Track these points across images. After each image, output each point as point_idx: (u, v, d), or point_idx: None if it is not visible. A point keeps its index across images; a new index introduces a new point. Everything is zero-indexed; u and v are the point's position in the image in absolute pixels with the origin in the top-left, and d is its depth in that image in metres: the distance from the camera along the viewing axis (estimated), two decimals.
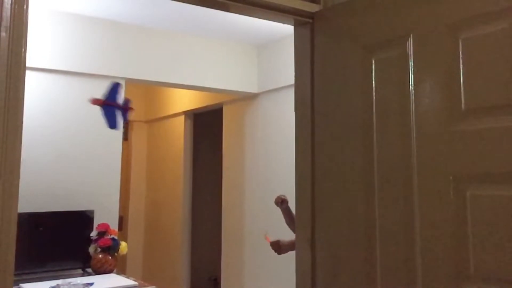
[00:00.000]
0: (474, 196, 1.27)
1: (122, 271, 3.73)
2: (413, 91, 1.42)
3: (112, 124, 2.98)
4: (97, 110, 2.95)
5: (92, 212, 3.32)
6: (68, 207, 3.28)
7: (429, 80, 1.39)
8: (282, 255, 2.66)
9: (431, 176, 1.36)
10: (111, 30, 3.56)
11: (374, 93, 1.54)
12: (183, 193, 4.97)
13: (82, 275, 3.13)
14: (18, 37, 1.25)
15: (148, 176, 5.63)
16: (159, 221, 5.32)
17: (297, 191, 1.83)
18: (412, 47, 1.43)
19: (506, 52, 1.23)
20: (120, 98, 3.04)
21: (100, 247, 3.19)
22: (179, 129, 5.11)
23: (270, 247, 2.66)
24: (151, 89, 5.52)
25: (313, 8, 1.79)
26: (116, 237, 3.28)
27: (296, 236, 1.86)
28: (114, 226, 3.39)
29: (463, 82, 1.30)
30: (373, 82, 1.54)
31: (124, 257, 4.41)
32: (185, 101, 5.00)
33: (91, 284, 2.82)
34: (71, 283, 2.76)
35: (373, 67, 1.55)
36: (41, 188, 3.20)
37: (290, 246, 2.54)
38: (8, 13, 1.24)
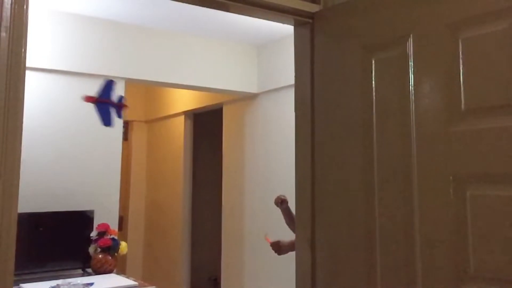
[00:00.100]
0: (474, 196, 1.27)
1: (122, 271, 3.73)
2: (413, 91, 1.42)
3: (107, 122, 2.97)
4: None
5: (92, 212, 3.32)
6: (68, 207, 3.28)
7: (429, 80, 1.39)
8: (282, 255, 2.66)
9: (431, 176, 1.36)
10: (111, 30, 3.56)
11: (374, 93, 1.54)
12: (183, 193, 4.97)
13: (82, 275, 3.13)
14: (18, 37, 1.25)
15: (148, 176, 5.63)
16: (159, 221, 5.32)
17: (297, 191, 1.83)
18: (412, 47, 1.43)
19: (506, 52, 1.22)
20: (114, 95, 3.02)
21: (100, 247, 3.19)
22: (179, 129, 5.11)
23: (270, 248, 2.66)
24: (151, 89, 5.52)
25: (313, 8, 1.80)
26: (116, 237, 3.28)
27: (296, 236, 1.86)
28: (114, 226, 3.39)
29: (463, 82, 1.30)
30: (373, 82, 1.54)
31: (124, 257, 4.41)
32: (185, 101, 5.00)
33: (91, 284, 2.82)
34: (71, 283, 2.76)
35: (373, 67, 1.55)
36: (41, 188, 3.20)
37: (290, 247, 2.54)
38: (8, 13, 1.24)
